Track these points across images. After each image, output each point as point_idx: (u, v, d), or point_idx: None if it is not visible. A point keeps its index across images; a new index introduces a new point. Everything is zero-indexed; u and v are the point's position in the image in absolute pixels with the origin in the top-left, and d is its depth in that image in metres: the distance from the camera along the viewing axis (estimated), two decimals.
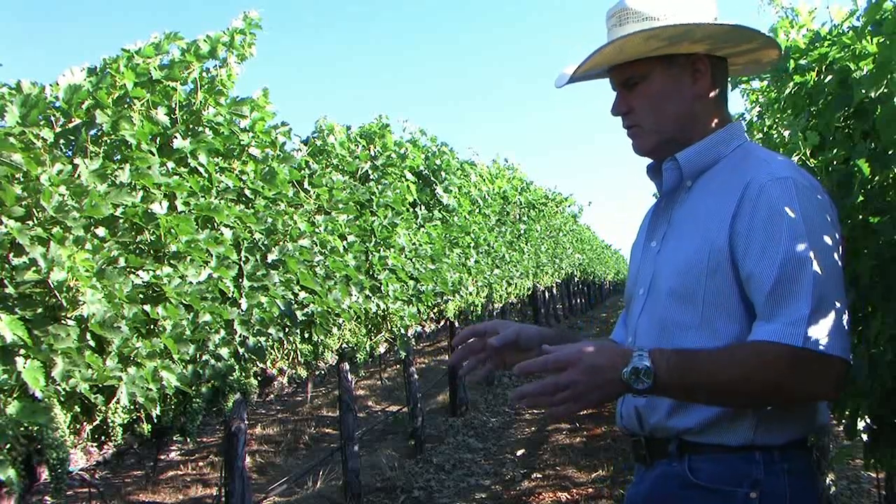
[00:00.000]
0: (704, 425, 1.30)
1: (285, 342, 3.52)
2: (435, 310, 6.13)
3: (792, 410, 1.31)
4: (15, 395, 1.95)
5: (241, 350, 3.02)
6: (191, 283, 2.58)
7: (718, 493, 1.28)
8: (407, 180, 5.30)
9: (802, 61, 2.16)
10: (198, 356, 2.73)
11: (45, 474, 2.09)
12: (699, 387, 1.23)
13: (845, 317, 1.23)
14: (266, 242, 3.24)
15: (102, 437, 2.36)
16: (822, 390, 1.22)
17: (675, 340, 1.33)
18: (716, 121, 1.43)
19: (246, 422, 3.42)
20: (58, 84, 2.32)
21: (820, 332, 1.19)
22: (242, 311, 2.99)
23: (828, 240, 1.25)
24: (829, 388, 1.21)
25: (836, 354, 1.19)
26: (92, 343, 2.14)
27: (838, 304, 1.22)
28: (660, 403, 1.35)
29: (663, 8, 1.38)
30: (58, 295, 2.02)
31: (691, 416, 1.31)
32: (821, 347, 1.18)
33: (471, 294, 6.91)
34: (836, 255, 1.26)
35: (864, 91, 1.74)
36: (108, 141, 2.46)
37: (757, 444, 1.28)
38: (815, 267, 1.21)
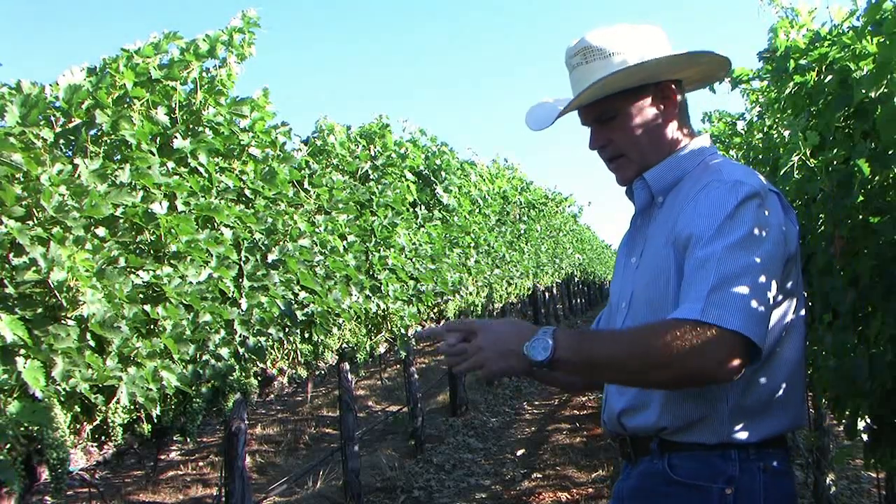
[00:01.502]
0: (680, 426, 1.35)
1: (285, 342, 3.52)
2: (435, 310, 6.13)
3: (770, 401, 1.34)
4: (15, 395, 1.95)
5: (241, 350, 3.02)
6: (191, 283, 2.58)
7: (696, 489, 1.33)
8: (407, 180, 5.31)
9: (802, 61, 2.16)
10: (198, 356, 2.73)
11: (45, 474, 2.09)
12: (595, 361, 1.27)
13: (754, 299, 1.22)
14: (266, 242, 3.24)
15: (102, 437, 2.36)
16: (710, 362, 1.19)
17: None
18: (682, 136, 1.49)
19: (246, 422, 3.42)
20: (58, 84, 2.32)
21: (715, 306, 1.19)
22: (242, 311, 2.99)
23: (752, 239, 1.26)
24: (719, 360, 1.19)
25: (729, 327, 1.18)
26: (92, 343, 2.14)
27: (746, 288, 1.21)
28: (643, 410, 1.40)
29: (622, 43, 1.44)
30: (58, 295, 2.02)
31: (670, 420, 1.36)
32: (711, 319, 1.18)
33: (471, 294, 6.92)
34: (758, 256, 1.25)
35: (864, 91, 1.74)
36: (108, 141, 2.46)
37: (732, 442, 1.33)
38: (726, 257, 1.23)
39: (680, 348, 1.18)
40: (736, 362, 1.19)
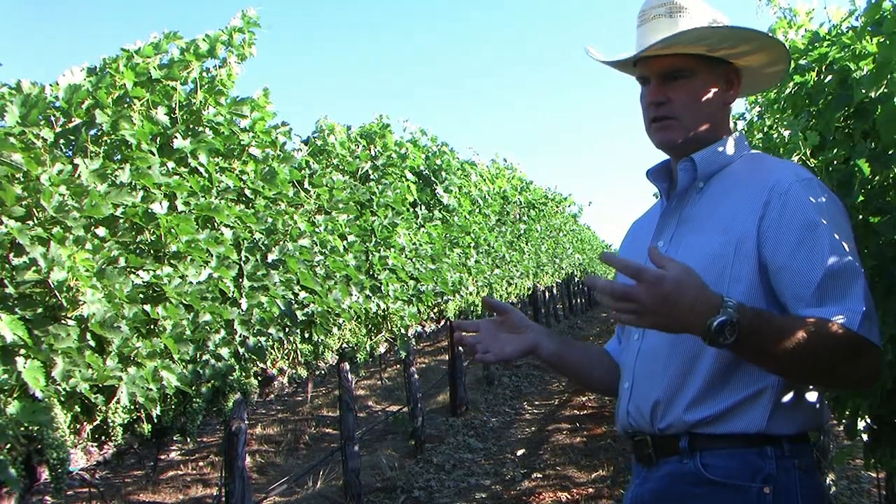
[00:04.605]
0: (719, 415, 1.32)
1: (285, 342, 3.52)
2: (435, 310, 6.13)
3: (802, 395, 1.35)
4: (15, 395, 1.95)
5: (241, 350, 3.02)
6: (191, 283, 2.58)
7: (733, 489, 1.29)
8: (407, 180, 5.30)
9: (802, 61, 2.16)
10: (198, 356, 2.73)
11: (45, 474, 2.09)
12: (772, 352, 1.21)
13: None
14: (266, 242, 3.24)
15: (102, 437, 2.36)
16: (869, 377, 1.28)
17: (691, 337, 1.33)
18: (728, 127, 1.50)
19: (246, 422, 3.42)
20: (58, 84, 2.32)
21: (872, 324, 1.25)
22: (242, 310, 2.99)
23: (850, 234, 1.34)
24: (874, 376, 1.28)
25: (878, 345, 1.26)
26: (92, 343, 2.14)
27: (871, 298, 1.29)
28: (680, 399, 1.35)
29: (707, 12, 1.46)
30: (58, 295, 2.02)
31: (708, 409, 1.32)
32: (870, 336, 1.23)
33: (471, 294, 6.91)
34: (854, 249, 1.32)
35: (864, 91, 1.74)
36: (108, 141, 2.46)
37: (768, 434, 1.30)
38: (854, 262, 1.28)
39: (853, 358, 1.23)
40: (877, 374, 1.29)
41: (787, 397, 1.32)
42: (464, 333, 1.55)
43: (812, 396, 1.36)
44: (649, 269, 1.15)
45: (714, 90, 1.45)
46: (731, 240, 1.34)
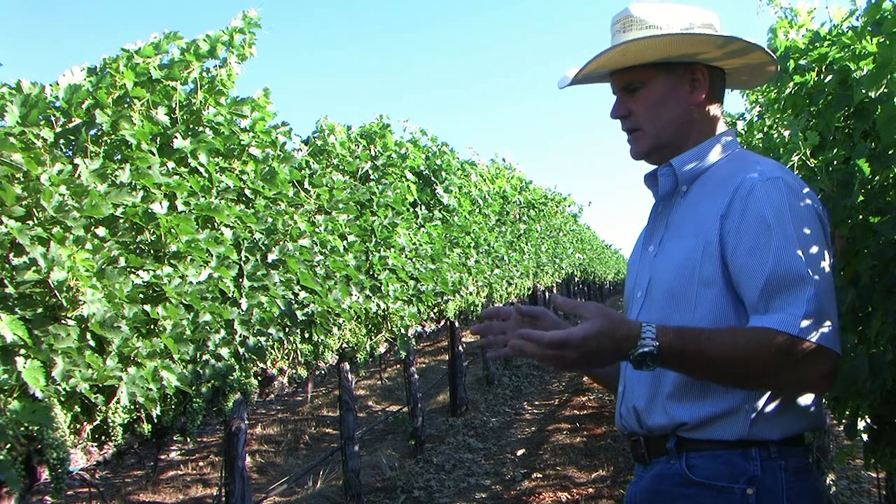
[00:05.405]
0: (701, 420, 1.33)
1: (285, 342, 3.52)
2: (435, 310, 6.13)
3: (790, 400, 1.33)
4: (15, 395, 1.95)
5: (241, 350, 3.02)
6: (191, 282, 2.58)
7: (716, 490, 1.30)
8: (407, 180, 5.30)
9: (802, 61, 2.16)
10: (198, 356, 2.73)
11: (45, 474, 2.09)
12: (699, 366, 1.26)
13: (835, 311, 1.27)
14: (266, 242, 3.24)
15: (102, 437, 2.36)
16: (815, 380, 1.26)
17: None
18: (711, 128, 1.48)
19: (246, 422, 3.42)
20: (58, 84, 2.32)
21: (815, 325, 1.22)
22: (242, 310, 2.99)
23: (816, 238, 1.30)
24: (822, 379, 1.25)
25: (830, 347, 1.23)
26: (92, 343, 2.14)
27: (828, 300, 1.26)
28: (657, 404, 1.38)
29: (666, 18, 1.43)
30: (58, 295, 2.02)
31: (687, 412, 1.34)
32: (816, 339, 1.22)
33: (471, 294, 6.91)
34: (824, 252, 1.29)
35: (864, 91, 1.74)
36: (109, 141, 2.46)
37: (752, 439, 1.31)
38: (806, 263, 1.25)
39: (787, 361, 1.22)
40: (831, 377, 1.25)
41: (772, 406, 1.31)
42: (488, 322, 1.54)
43: (804, 400, 1.35)
44: (572, 336, 1.20)
45: (674, 94, 1.44)
46: (699, 244, 1.35)
